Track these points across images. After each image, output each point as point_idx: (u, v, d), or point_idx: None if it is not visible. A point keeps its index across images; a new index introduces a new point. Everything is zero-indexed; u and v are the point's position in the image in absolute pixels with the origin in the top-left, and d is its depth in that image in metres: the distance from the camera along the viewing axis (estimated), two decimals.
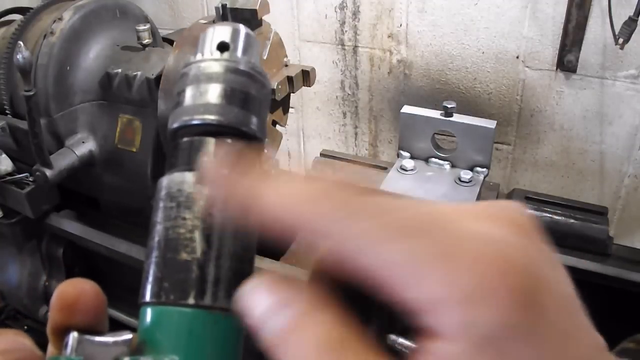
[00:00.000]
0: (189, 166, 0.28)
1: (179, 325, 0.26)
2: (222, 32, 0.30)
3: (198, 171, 0.28)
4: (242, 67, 0.29)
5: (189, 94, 0.29)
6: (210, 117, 0.28)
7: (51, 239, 1.42)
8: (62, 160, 1.18)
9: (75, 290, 0.27)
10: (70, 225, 1.36)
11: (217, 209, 0.27)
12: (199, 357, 0.26)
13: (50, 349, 0.28)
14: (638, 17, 1.36)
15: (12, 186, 1.28)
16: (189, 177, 0.28)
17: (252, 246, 0.29)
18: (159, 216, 0.28)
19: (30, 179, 1.24)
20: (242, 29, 0.31)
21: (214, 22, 1.13)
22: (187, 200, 0.28)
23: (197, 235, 0.27)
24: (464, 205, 0.25)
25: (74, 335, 0.26)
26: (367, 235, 0.22)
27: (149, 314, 0.27)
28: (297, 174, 0.26)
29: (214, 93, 0.28)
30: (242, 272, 0.28)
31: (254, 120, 0.29)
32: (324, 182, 0.24)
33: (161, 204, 0.28)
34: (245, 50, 0.30)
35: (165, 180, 0.29)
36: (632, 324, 1.13)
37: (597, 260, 1.09)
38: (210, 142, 0.28)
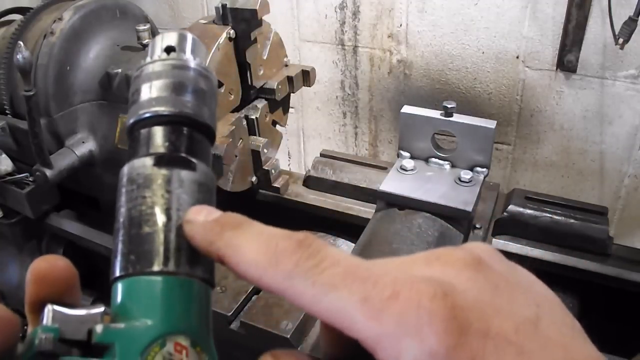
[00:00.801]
0: (148, 152, 0.31)
1: (148, 292, 0.28)
2: (168, 37, 0.33)
3: (155, 155, 0.30)
4: (189, 64, 0.32)
5: (142, 91, 0.31)
6: (162, 109, 0.31)
7: (51, 239, 1.42)
8: (62, 160, 1.18)
9: (47, 264, 0.29)
10: (70, 225, 1.36)
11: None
12: (169, 319, 0.27)
13: (30, 328, 0.29)
14: (638, 17, 1.36)
15: (12, 186, 1.28)
16: (147, 161, 0.30)
17: None
18: (122, 200, 0.31)
19: (30, 179, 1.24)
20: (188, 34, 0.33)
21: (214, 22, 1.13)
22: (145, 180, 0.30)
23: (157, 209, 0.30)
24: (425, 253, 0.29)
25: (49, 308, 0.27)
26: (321, 286, 0.26)
27: (119, 287, 0.29)
28: (266, 228, 0.29)
29: (163, 87, 0.31)
30: None
31: (205, 109, 0.32)
32: (287, 238, 0.28)
33: (123, 190, 0.31)
34: (192, 52, 0.33)
35: (126, 169, 0.31)
36: (632, 324, 1.13)
37: (597, 260, 1.09)
38: (163, 129, 0.31)
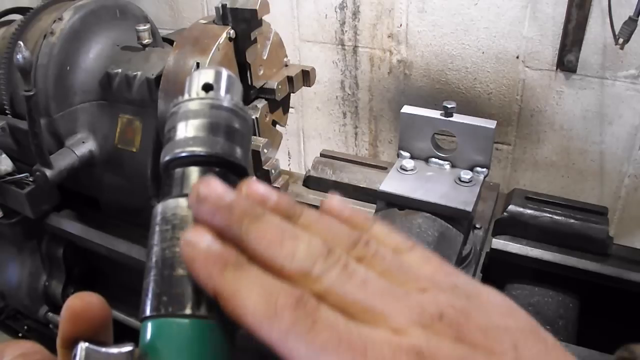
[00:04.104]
0: (182, 192, 0.31)
1: (178, 335, 0.28)
2: (206, 74, 0.33)
3: (190, 195, 0.30)
4: (225, 103, 0.32)
5: (178, 129, 0.32)
6: (198, 149, 0.31)
7: (51, 239, 1.42)
8: (62, 160, 1.18)
9: (82, 303, 0.30)
10: (70, 225, 1.36)
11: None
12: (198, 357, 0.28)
13: None
14: (638, 17, 1.36)
15: (12, 186, 1.28)
16: (182, 202, 0.31)
17: None
18: (156, 239, 0.31)
19: (30, 179, 1.24)
20: (224, 71, 0.34)
21: (214, 22, 1.13)
22: (181, 222, 0.30)
23: None
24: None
25: (82, 346, 0.27)
26: (314, 348, 0.26)
27: (149, 327, 0.29)
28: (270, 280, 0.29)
29: (200, 127, 0.31)
30: None
31: (238, 150, 0.32)
32: (287, 295, 0.28)
33: (157, 228, 0.31)
34: (228, 90, 0.33)
35: (160, 207, 0.31)
36: (632, 324, 1.13)
37: (597, 260, 1.09)
38: (199, 170, 0.31)
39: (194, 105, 0.32)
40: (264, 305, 0.27)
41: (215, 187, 0.29)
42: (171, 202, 0.31)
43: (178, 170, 0.32)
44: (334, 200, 0.34)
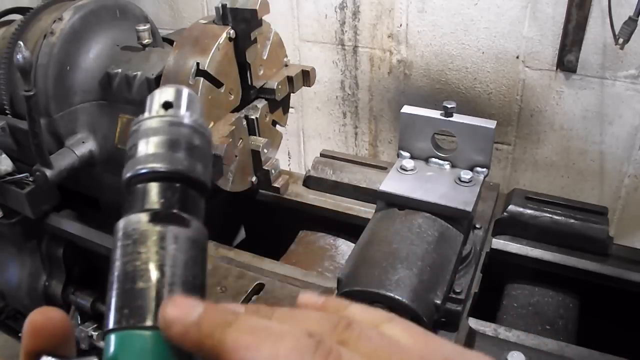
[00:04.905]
0: (143, 208, 0.32)
1: (139, 346, 0.29)
2: (166, 92, 0.34)
3: (150, 212, 0.31)
4: (185, 120, 0.33)
5: (139, 146, 0.33)
6: (158, 165, 0.32)
7: (51, 239, 1.42)
8: (62, 160, 1.18)
9: (44, 318, 0.30)
10: (70, 225, 1.36)
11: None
12: None
13: None
14: (638, 17, 1.36)
15: (12, 186, 1.28)
16: (143, 217, 0.31)
17: (202, 273, 0.33)
18: (117, 254, 0.32)
19: (30, 179, 1.24)
20: (184, 89, 0.35)
21: (214, 22, 1.13)
22: (141, 236, 0.31)
23: (151, 265, 0.30)
24: None
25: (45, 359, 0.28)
26: None
27: (112, 339, 0.29)
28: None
29: (160, 144, 0.32)
30: (193, 296, 0.31)
31: (199, 166, 0.33)
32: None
33: (119, 243, 0.32)
34: (188, 107, 0.34)
35: (122, 223, 0.32)
36: (632, 324, 1.13)
37: (597, 260, 1.09)
38: (159, 186, 0.32)
39: (154, 123, 0.33)
40: (293, 348, 0.27)
41: (180, 306, 0.29)
42: (133, 218, 0.32)
43: (139, 187, 0.32)
44: (307, 294, 0.34)
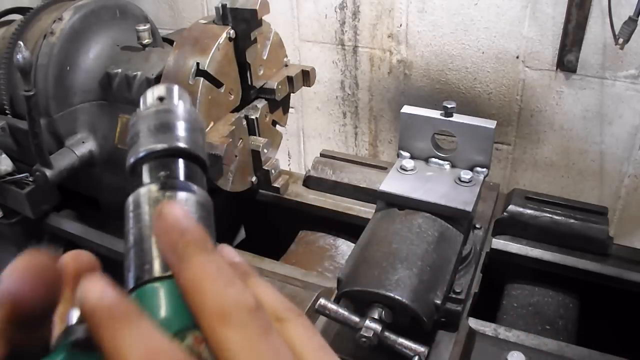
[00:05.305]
0: (150, 181, 0.33)
1: (155, 297, 0.30)
2: (159, 89, 0.37)
3: (158, 182, 0.33)
4: (177, 109, 0.36)
5: (140, 134, 0.35)
6: (158, 145, 0.34)
7: (51, 239, 1.42)
8: (62, 160, 1.18)
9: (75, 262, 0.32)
10: (70, 225, 1.36)
11: None
12: (180, 317, 0.29)
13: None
14: (638, 17, 1.36)
15: (12, 186, 1.28)
16: (152, 187, 0.33)
17: (212, 233, 0.34)
18: (131, 223, 0.33)
19: (30, 179, 1.24)
20: (175, 86, 0.38)
21: (214, 22, 1.13)
22: (153, 202, 0.32)
23: None
24: None
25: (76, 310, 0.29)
26: None
27: (134, 297, 0.30)
28: None
29: (158, 128, 0.35)
30: None
31: (197, 144, 0.35)
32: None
33: (131, 215, 0.33)
34: (179, 98, 0.37)
35: (131, 197, 0.33)
36: (632, 324, 1.13)
37: (597, 260, 1.09)
38: (162, 161, 0.34)
39: (151, 113, 0.36)
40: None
41: (177, 214, 0.30)
42: (142, 190, 0.33)
43: (144, 166, 0.34)
44: (225, 247, 0.35)
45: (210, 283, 0.28)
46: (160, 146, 0.34)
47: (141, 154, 0.34)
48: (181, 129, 0.35)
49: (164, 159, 0.34)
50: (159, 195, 0.32)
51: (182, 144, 0.34)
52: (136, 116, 0.36)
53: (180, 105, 0.36)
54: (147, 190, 0.33)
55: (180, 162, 0.34)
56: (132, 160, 0.34)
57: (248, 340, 0.27)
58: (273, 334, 0.28)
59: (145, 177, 0.34)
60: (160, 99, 0.36)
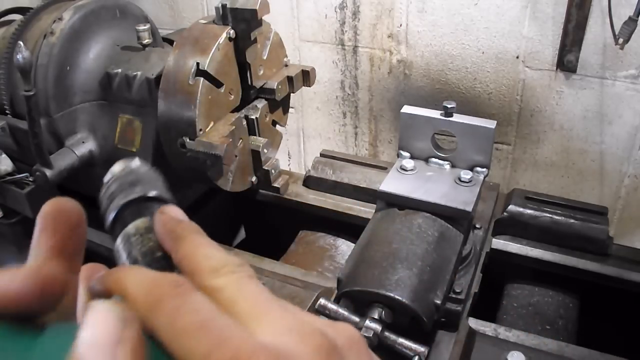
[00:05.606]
0: (135, 219, 0.37)
1: None
2: (118, 164, 0.42)
3: (142, 219, 0.37)
4: (139, 169, 0.41)
5: (117, 192, 0.39)
6: (130, 197, 0.38)
7: None
8: (62, 160, 1.18)
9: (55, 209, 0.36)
10: None
11: None
12: None
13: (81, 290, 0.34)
14: (638, 17, 1.36)
15: (12, 186, 1.28)
16: (139, 221, 0.37)
17: None
18: (126, 252, 0.36)
19: (30, 179, 1.24)
20: (134, 160, 0.42)
21: (214, 22, 1.13)
22: (146, 230, 0.36)
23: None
24: (310, 319, 0.31)
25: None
26: (176, 329, 0.28)
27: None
28: None
29: (135, 183, 0.39)
30: None
31: (164, 191, 0.40)
32: (163, 276, 0.30)
33: (123, 247, 0.36)
34: (137, 162, 0.42)
35: (120, 236, 0.37)
36: (632, 324, 1.13)
37: (597, 260, 1.09)
38: (138, 206, 0.38)
39: (114, 181, 0.40)
40: (142, 283, 0.29)
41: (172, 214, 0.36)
42: (130, 227, 0.37)
43: (126, 213, 0.38)
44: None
45: (203, 249, 0.32)
46: (131, 197, 0.38)
47: (131, 198, 0.38)
48: (148, 180, 0.40)
49: (142, 203, 0.38)
50: (149, 225, 0.36)
51: (149, 193, 0.39)
52: (105, 185, 0.41)
53: (141, 167, 0.42)
54: (135, 224, 0.37)
55: (153, 203, 0.39)
56: (121, 204, 0.38)
57: (236, 283, 0.30)
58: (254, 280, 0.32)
59: (130, 217, 0.38)
60: (120, 167, 0.42)
